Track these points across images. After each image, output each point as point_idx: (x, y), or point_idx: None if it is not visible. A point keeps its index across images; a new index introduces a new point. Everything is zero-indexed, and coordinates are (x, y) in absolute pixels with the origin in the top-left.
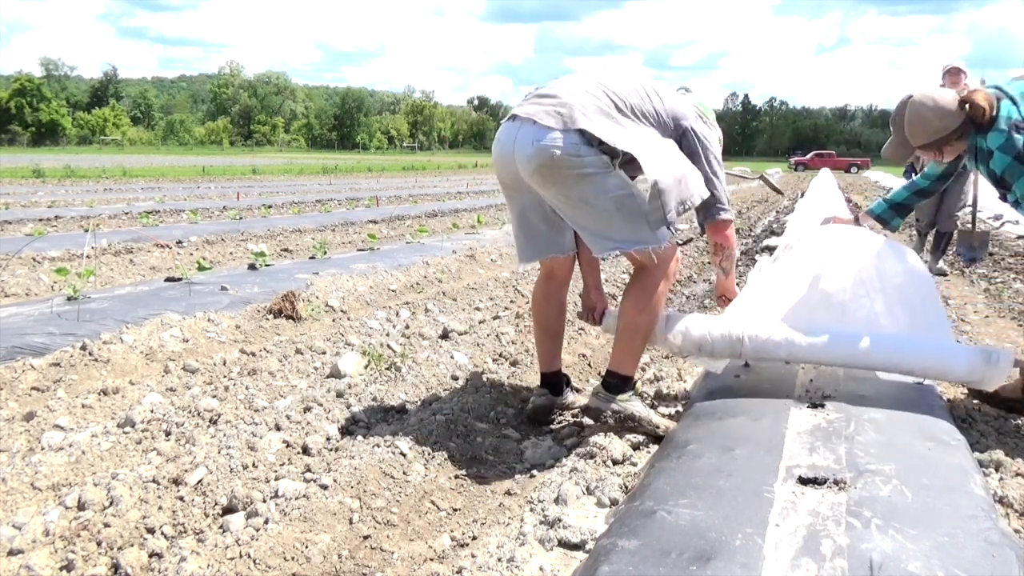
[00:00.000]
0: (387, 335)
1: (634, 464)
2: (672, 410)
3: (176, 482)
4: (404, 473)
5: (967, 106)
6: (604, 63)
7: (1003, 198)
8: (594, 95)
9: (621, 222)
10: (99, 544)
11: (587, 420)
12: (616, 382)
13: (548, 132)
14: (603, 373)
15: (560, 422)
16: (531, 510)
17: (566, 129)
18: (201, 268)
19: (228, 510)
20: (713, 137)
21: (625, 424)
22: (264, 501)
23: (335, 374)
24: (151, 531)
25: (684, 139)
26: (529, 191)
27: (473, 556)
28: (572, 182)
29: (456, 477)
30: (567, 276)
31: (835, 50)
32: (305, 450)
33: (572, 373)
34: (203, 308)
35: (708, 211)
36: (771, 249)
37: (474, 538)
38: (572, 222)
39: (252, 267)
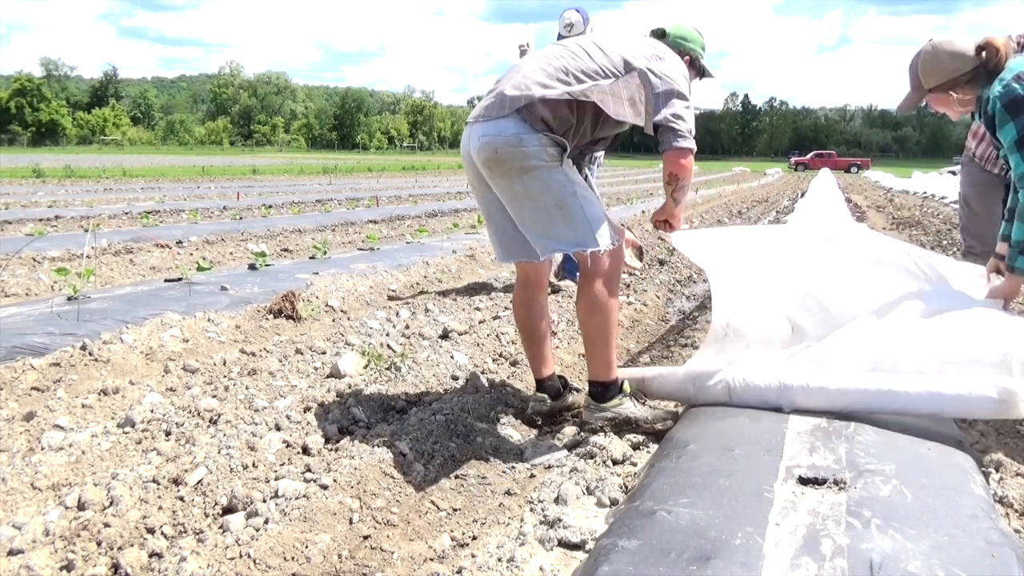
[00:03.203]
0: (387, 335)
1: (634, 464)
2: (672, 407)
3: (176, 482)
4: (404, 473)
5: (983, 52)
6: None
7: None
8: (525, 75)
9: (561, 222)
10: (99, 544)
11: (587, 420)
12: (599, 390)
13: (489, 126)
14: (589, 383)
15: (561, 422)
16: (531, 510)
17: (502, 116)
18: (201, 268)
19: (228, 510)
20: (671, 69)
21: (623, 428)
22: (264, 501)
23: (335, 374)
24: (151, 531)
25: (641, 81)
26: (492, 191)
27: (473, 556)
28: (516, 175)
29: (456, 477)
30: (543, 280)
31: (836, 50)
32: (305, 450)
33: (572, 373)
34: (203, 308)
35: (664, 139)
36: None
37: (474, 538)
38: (518, 221)
39: (252, 267)
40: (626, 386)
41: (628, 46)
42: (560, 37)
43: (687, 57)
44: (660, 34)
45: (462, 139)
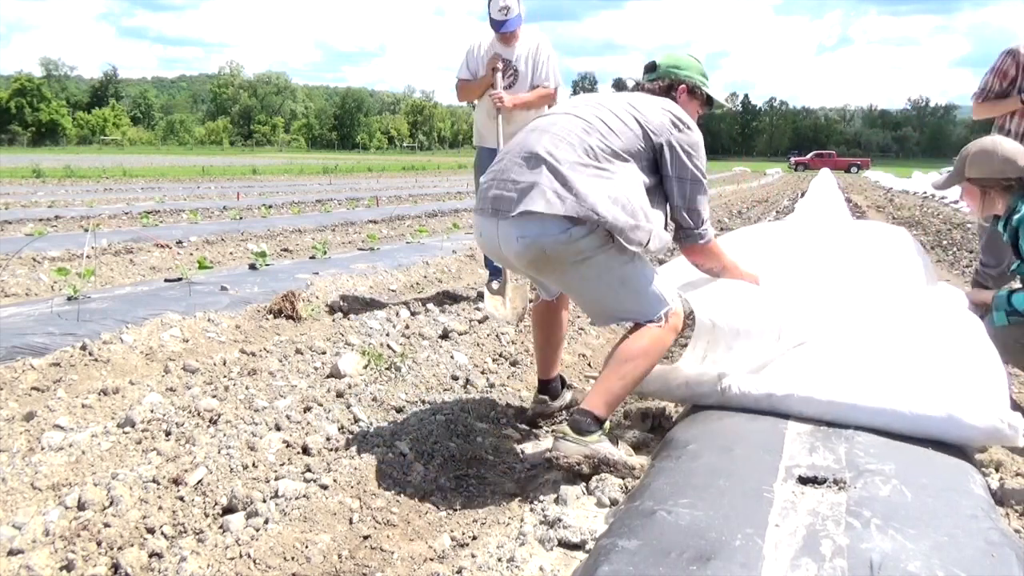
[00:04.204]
0: (387, 335)
1: None
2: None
3: (176, 482)
4: (404, 473)
5: None
6: (604, 63)
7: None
8: (554, 160)
9: (626, 297)
10: (99, 544)
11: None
12: (587, 421)
13: (530, 225)
14: (573, 411)
15: (560, 422)
16: (531, 510)
17: (543, 215)
18: (201, 268)
19: (228, 510)
20: (690, 141)
21: (599, 469)
22: (264, 501)
23: (335, 374)
24: (151, 531)
25: (661, 156)
26: None
27: (473, 556)
28: (570, 268)
29: (456, 477)
30: None
31: (836, 50)
32: (305, 450)
33: (572, 373)
34: (203, 308)
35: (682, 236)
36: None
37: (474, 538)
38: (576, 302)
39: (252, 267)
40: (606, 424)
41: (645, 112)
42: (492, 21)
43: (683, 86)
44: (651, 67)
45: (483, 230)
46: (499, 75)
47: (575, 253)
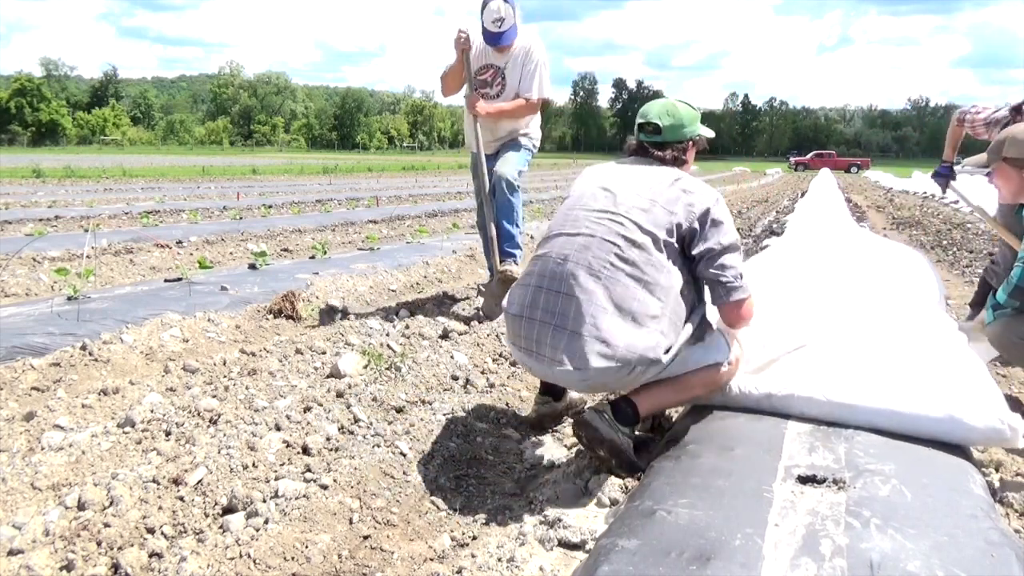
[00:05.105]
0: (387, 335)
1: None
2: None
3: (176, 482)
4: (404, 473)
5: None
6: (604, 63)
7: None
8: (594, 308)
9: (692, 362)
10: (99, 544)
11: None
12: (629, 412)
13: (573, 374)
14: (615, 396)
15: (561, 422)
16: (531, 510)
17: (587, 368)
18: (201, 268)
19: (228, 510)
20: (718, 214)
21: (613, 460)
22: (264, 501)
23: (335, 374)
24: (151, 531)
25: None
26: None
27: (473, 556)
28: (627, 382)
29: (456, 477)
30: None
31: (836, 50)
32: (305, 450)
33: None
34: (203, 308)
35: (715, 293)
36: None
37: (474, 538)
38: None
39: (252, 267)
40: (637, 425)
41: (659, 197)
42: (486, 33)
43: (691, 142)
44: (653, 129)
45: (530, 366)
46: (468, 57)
47: (640, 378)
